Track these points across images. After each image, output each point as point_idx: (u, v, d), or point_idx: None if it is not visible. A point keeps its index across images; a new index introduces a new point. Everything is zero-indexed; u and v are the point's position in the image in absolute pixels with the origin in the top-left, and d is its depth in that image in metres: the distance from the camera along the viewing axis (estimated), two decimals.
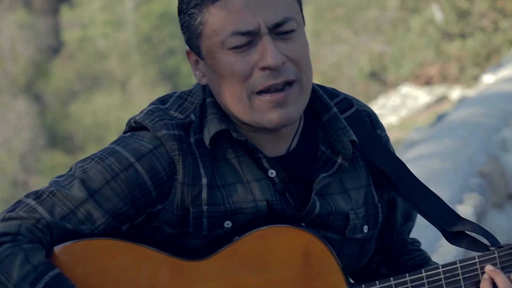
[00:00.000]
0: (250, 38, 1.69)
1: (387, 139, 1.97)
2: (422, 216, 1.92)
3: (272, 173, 1.78)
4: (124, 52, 38.82)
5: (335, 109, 1.86)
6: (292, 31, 1.71)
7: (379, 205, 1.93)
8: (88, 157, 1.74)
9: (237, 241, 1.73)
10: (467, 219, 1.94)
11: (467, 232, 1.96)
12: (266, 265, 1.74)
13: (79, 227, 1.66)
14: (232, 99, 1.74)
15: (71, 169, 1.74)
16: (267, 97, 1.71)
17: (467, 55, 20.36)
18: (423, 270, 1.81)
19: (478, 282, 1.82)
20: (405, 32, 23.67)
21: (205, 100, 1.81)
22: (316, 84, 1.89)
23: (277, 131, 1.79)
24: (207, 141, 1.75)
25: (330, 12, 27.86)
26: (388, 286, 1.80)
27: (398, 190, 1.92)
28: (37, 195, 1.68)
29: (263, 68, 1.69)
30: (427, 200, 1.93)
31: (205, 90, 1.82)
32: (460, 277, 1.82)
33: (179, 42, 39.52)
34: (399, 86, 20.86)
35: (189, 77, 38.41)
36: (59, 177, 1.73)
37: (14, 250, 1.60)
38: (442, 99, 18.08)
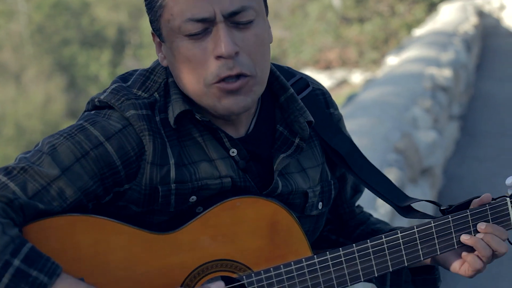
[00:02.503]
0: (206, 25, 1.68)
1: (339, 118, 2.03)
2: (374, 193, 1.99)
3: (233, 152, 1.80)
4: (17, 43, 37.82)
5: (292, 90, 1.88)
6: (249, 22, 1.71)
7: (332, 182, 1.98)
8: (56, 133, 1.70)
9: (206, 213, 1.74)
10: (411, 197, 2.02)
11: (414, 207, 2.04)
12: (235, 235, 1.76)
13: (51, 206, 1.63)
14: (189, 84, 1.74)
15: (38, 145, 1.70)
16: (222, 85, 1.71)
17: (366, 39, 20.78)
18: (383, 236, 1.85)
19: (434, 244, 1.88)
20: (304, 17, 23.95)
21: (168, 79, 1.80)
22: (273, 64, 1.91)
23: (235, 116, 1.80)
24: (171, 120, 1.75)
25: None
26: (351, 252, 1.83)
27: (351, 169, 1.97)
28: (7, 171, 1.63)
29: (218, 57, 1.68)
30: (376, 177, 2.00)
31: (167, 69, 1.81)
32: (401, 247, 1.87)
33: (74, 32, 38.82)
34: (299, 71, 21.12)
35: (85, 68, 37.81)
36: (26, 153, 1.69)
37: None
38: (343, 82, 18.40)
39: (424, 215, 2.00)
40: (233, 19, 1.68)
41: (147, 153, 1.72)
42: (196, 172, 1.76)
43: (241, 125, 1.83)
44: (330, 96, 2.00)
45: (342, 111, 7.10)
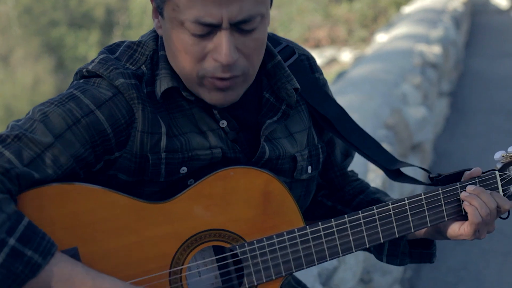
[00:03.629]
0: (210, 29, 1.66)
1: (324, 82, 2.04)
2: (364, 157, 2.01)
3: (223, 123, 1.81)
4: (5, 25, 37.55)
5: (279, 57, 1.89)
6: (253, 29, 1.69)
7: (319, 146, 1.99)
8: (47, 101, 1.70)
9: (199, 183, 1.75)
10: (401, 161, 2.03)
11: (403, 171, 2.05)
12: (227, 205, 1.77)
13: (46, 174, 1.63)
14: (183, 69, 1.74)
15: (29, 113, 1.70)
16: (214, 81, 1.72)
17: (355, 17, 20.74)
18: (375, 207, 1.87)
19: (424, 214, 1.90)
20: None
21: (156, 51, 1.81)
22: None
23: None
24: (158, 95, 1.76)
25: None
26: (343, 223, 1.84)
27: (339, 133, 1.98)
28: (1, 139, 1.63)
29: (216, 60, 1.68)
30: (366, 141, 2.01)
31: (158, 42, 1.81)
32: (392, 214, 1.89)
33: (62, 13, 38.56)
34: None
35: (74, 49, 37.59)
36: (17, 120, 1.69)
37: None
38: (332, 61, 18.37)
39: (413, 180, 2.02)
40: (239, 26, 1.67)
41: (137, 121, 1.72)
42: (186, 142, 1.77)
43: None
44: (314, 61, 2.01)
45: (332, 88, 7.09)
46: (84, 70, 1.76)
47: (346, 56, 17.88)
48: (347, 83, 6.62)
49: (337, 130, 1.98)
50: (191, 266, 1.78)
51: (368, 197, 2.07)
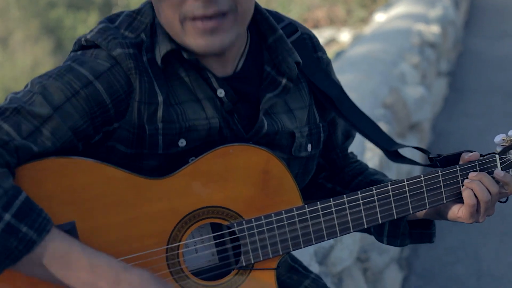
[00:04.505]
0: None
1: (328, 62, 2.03)
2: (364, 136, 2.01)
3: (221, 92, 1.80)
4: (3, 7, 37.41)
5: (281, 31, 1.88)
6: None
7: (321, 125, 1.99)
8: (45, 74, 1.70)
9: (198, 160, 1.74)
10: (400, 143, 2.03)
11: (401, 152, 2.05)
12: (226, 183, 1.76)
13: (45, 146, 1.63)
14: (167, 22, 1.73)
15: (27, 85, 1.70)
16: (198, 24, 1.69)
17: None
18: (363, 191, 1.86)
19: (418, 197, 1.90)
20: None
21: (155, 19, 1.80)
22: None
23: (222, 55, 1.79)
24: (158, 60, 1.74)
25: None
26: (342, 203, 1.84)
27: (340, 112, 1.98)
28: (0, 112, 1.62)
29: None
30: (366, 122, 2.01)
31: (154, 10, 1.80)
32: (391, 194, 1.89)
33: None
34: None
35: (73, 30, 37.49)
36: (16, 93, 1.69)
37: None
38: (331, 41, 18.28)
39: (412, 162, 2.01)
40: None
41: (135, 91, 1.71)
42: (183, 112, 1.76)
43: (229, 64, 1.82)
44: (317, 40, 2.00)
45: None
46: (83, 39, 1.76)
47: (345, 36, 17.81)
48: (345, 63, 6.60)
49: (337, 109, 1.97)
50: (188, 242, 1.78)
51: (367, 179, 2.07)
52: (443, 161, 1.96)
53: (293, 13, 21.67)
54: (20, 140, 1.60)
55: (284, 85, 1.86)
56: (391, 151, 2.01)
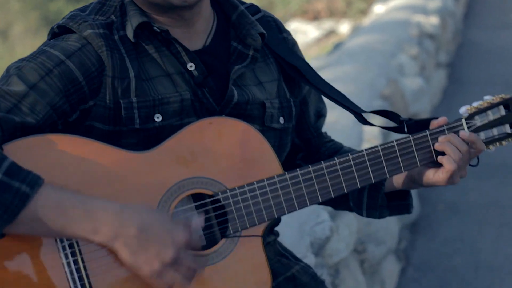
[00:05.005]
0: None
1: (294, 42, 2.16)
2: (334, 102, 2.08)
3: (191, 66, 1.88)
4: (3, 0, 37.44)
5: (242, 7, 2.00)
6: None
7: (292, 99, 2.07)
8: (19, 59, 1.78)
9: (179, 133, 1.81)
10: (367, 111, 2.15)
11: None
12: (207, 154, 1.83)
13: (26, 120, 1.69)
14: None
15: (4, 73, 1.78)
16: None
17: None
18: (349, 154, 1.94)
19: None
20: None
21: (123, 1, 1.89)
22: None
23: (192, 26, 1.89)
24: (130, 34, 1.83)
25: None
26: (320, 169, 1.92)
27: (310, 82, 2.07)
28: None
29: None
30: (334, 91, 2.10)
31: None
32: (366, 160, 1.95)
33: None
34: (288, 22, 20.94)
35: None
36: None
37: None
38: (331, 33, 18.28)
39: (382, 127, 2.09)
40: None
41: (107, 68, 1.79)
42: (155, 87, 1.83)
43: (198, 38, 1.92)
44: (282, 24, 2.10)
45: (329, 58, 7.06)
46: (55, 27, 1.84)
47: (344, 28, 17.80)
48: (344, 54, 6.60)
49: (305, 77, 2.05)
50: (175, 212, 1.81)
51: None
52: (413, 125, 2.05)
53: (293, 5, 21.64)
54: (1, 114, 1.67)
55: (251, 56, 1.96)
56: (361, 113, 2.10)
